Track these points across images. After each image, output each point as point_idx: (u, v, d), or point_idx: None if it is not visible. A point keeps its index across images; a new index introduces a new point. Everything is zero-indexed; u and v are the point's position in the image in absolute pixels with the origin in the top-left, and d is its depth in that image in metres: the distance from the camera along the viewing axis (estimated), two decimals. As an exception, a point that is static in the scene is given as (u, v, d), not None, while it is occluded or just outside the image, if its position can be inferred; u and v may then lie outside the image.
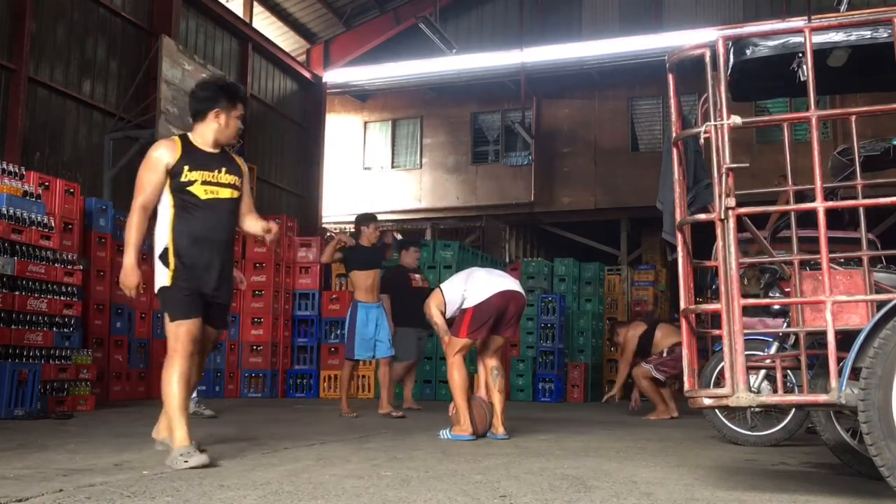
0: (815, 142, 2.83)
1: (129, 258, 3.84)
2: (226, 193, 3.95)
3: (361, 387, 11.11)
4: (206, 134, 3.98)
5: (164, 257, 3.84)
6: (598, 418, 7.65)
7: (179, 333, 3.77)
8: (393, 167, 19.92)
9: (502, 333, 5.51)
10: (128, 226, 3.86)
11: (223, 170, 3.96)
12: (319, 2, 17.14)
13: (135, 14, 12.58)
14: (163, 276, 3.83)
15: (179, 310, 3.80)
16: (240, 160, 4.16)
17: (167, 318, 3.85)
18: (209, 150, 3.98)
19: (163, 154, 3.87)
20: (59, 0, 11.15)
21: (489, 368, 5.53)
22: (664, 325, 8.24)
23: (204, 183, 3.88)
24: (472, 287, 5.46)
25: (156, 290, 3.88)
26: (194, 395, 6.32)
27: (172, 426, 3.71)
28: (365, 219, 7.78)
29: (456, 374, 5.35)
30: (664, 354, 7.71)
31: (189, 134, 4.04)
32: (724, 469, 3.88)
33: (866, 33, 3.04)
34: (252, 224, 4.14)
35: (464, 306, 5.43)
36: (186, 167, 3.85)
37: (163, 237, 3.87)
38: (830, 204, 2.81)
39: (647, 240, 18.80)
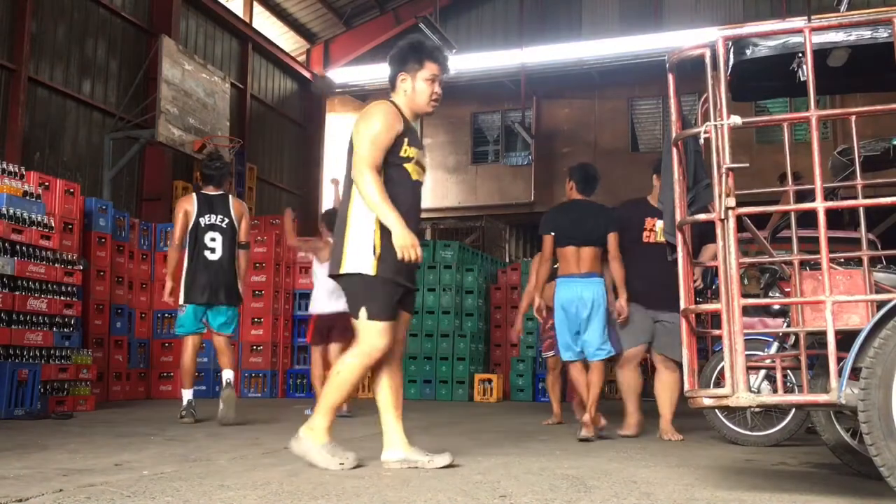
0: (815, 142, 2.83)
1: (398, 221, 3.25)
2: (423, 179, 3.57)
3: (361, 387, 11.08)
4: (404, 104, 3.50)
5: (364, 237, 3.35)
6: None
7: (382, 334, 3.36)
8: (393, 167, 19.91)
9: None
10: (368, 190, 3.27)
11: (425, 151, 3.59)
12: (319, 2, 17.14)
13: (135, 14, 12.59)
14: (363, 261, 3.33)
15: (386, 309, 3.36)
16: None
17: (364, 313, 3.35)
18: (413, 124, 3.54)
19: (395, 119, 3.38)
20: (59, 0, 11.16)
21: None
22: None
23: (417, 163, 3.49)
24: None
25: (344, 271, 3.34)
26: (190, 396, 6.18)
27: (323, 417, 3.47)
28: None
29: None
30: None
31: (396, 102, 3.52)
32: (724, 469, 3.88)
33: (866, 33, 3.04)
34: None
35: None
36: (406, 140, 3.44)
37: (365, 215, 3.34)
38: (830, 204, 2.81)
39: (648, 240, 18.78)
